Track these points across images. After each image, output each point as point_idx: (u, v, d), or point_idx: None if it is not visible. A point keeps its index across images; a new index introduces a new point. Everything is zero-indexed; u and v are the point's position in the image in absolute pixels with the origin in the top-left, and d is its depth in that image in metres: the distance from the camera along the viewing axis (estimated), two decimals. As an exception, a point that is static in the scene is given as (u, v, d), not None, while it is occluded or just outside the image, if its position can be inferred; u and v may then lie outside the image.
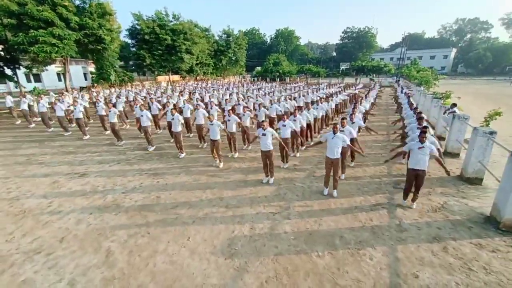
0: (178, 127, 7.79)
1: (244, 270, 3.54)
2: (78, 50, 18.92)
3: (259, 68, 57.56)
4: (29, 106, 13.47)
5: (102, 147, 9.28)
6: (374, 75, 45.26)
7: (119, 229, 4.47)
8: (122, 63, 36.00)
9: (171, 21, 31.65)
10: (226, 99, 10.93)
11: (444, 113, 9.09)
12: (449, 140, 7.87)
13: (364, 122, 11.57)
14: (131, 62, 35.91)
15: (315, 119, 9.25)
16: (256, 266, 3.60)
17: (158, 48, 29.76)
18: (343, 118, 6.13)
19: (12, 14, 15.61)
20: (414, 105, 9.15)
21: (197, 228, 4.47)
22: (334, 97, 13.16)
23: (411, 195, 5.10)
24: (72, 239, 4.21)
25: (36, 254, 3.87)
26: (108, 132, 10.92)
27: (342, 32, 70.98)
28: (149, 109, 10.37)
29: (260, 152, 6.00)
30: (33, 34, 15.66)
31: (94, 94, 16.46)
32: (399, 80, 35.31)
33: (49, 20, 16.17)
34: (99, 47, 19.96)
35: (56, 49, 16.55)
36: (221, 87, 23.79)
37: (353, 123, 6.55)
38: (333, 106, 11.37)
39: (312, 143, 8.27)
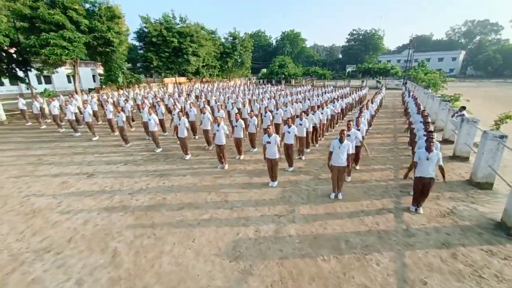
0: (184, 132, 7.81)
1: (249, 273, 3.53)
2: (87, 52, 19.30)
3: (264, 70, 57.62)
4: (41, 108, 13.80)
5: (110, 148, 9.42)
6: (381, 77, 44.82)
7: (125, 230, 4.52)
8: (129, 65, 36.54)
9: (178, 24, 32.00)
10: (232, 103, 10.97)
11: (453, 116, 8.94)
12: (458, 143, 7.73)
13: (370, 125, 11.52)
14: (138, 64, 36.39)
15: (321, 123, 9.22)
16: (261, 270, 3.59)
17: (165, 50, 30.11)
18: (349, 121, 6.10)
19: (24, 17, 16.06)
20: (422, 108, 9.03)
21: (202, 230, 4.49)
22: (340, 100, 13.07)
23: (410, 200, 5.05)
24: (80, 239, 4.28)
25: (46, 253, 3.95)
26: (116, 133, 11.09)
27: (349, 34, 70.57)
28: (156, 112, 10.50)
29: (266, 159, 5.99)
30: (44, 37, 16.06)
31: (104, 97, 16.73)
32: (406, 83, 34.90)
33: (60, 23, 16.56)
34: (107, 50, 20.31)
35: (66, 51, 16.91)
36: (227, 89, 23.92)
37: (358, 129, 6.47)
38: (333, 114, 11.22)
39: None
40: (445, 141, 9.43)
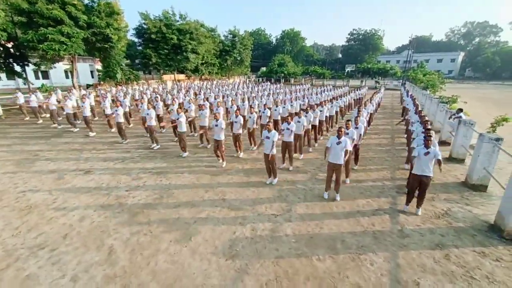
0: (183, 127, 7.83)
1: (245, 272, 3.55)
2: (85, 48, 19.18)
3: (264, 69, 57.54)
4: (39, 103, 13.70)
5: (107, 145, 9.39)
6: (380, 77, 44.92)
7: (121, 227, 4.52)
8: (128, 61, 36.30)
9: (178, 21, 31.82)
10: (232, 100, 10.95)
11: (450, 118, 8.99)
12: (454, 145, 7.78)
13: (369, 125, 11.54)
14: (137, 61, 36.19)
15: (320, 121, 9.25)
16: (256, 269, 3.61)
17: (164, 47, 29.94)
18: (348, 120, 6.13)
19: (22, 12, 15.90)
20: (420, 108, 9.07)
21: (199, 228, 4.50)
22: (339, 99, 13.09)
23: (413, 201, 5.06)
24: (75, 236, 4.28)
25: (40, 249, 3.94)
26: (114, 130, 11.05)
27: (349, 34, 70.62)
28: (154, 108, 10.47)
29: (264, 155, 6.01)
30: (42, 32, 15.92)
31: (102, 92, 16.63)
32: (405, 83, 35.00)
33: (58, 18, 16.41)
34: (106, 46, 20.21)
35: (65, 46, 16.79)
36: (226, 87, 23.87)
37: (357, 127, 6.51)
38: (332, 113, 11.24)
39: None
40: (442, 143, 9.47)
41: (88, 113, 10.45)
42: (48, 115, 13.39)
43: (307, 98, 13.76)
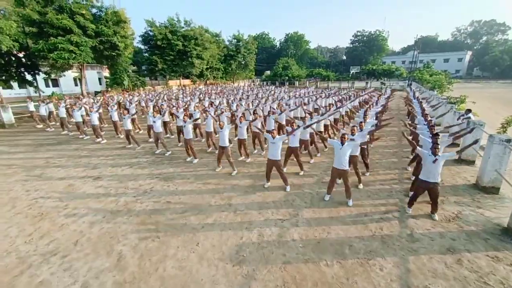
0: (190, 134, 7.90)
1: (252, 277, 3.55)
2: (93, 56, 19.65)
3: (268, 72, 57.79)
4: (50, 111, 14.07)
5: (115, 151, 9.55)
6: (385, 78, 44.54)
7: (130, 233, 4.58)
8: (135, 67, 37.04)
9: (183, 27, 32.39)
10: (236, 105, 11.03)
11: (458, 119, 8.84)
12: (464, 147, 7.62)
13: (377, 125, 11.40)
14: (143, 67, 36.91)
15: (325, 126, 9.22)
16: (264, 274, 3.60)
17: (170, 53, 30.48)
18: (353, 126, 6.08)
19: (33, 22, 16.48)
20: (426, 111, 8.95)
21: (206, 233, 4.53)
22: (345, 103, 13.03)
23: (415, 205, 5.01)
24: (85, 242, 4.35)
25: (53, 256, 4.03)
26: (122, 136, 11.24)
27: (353, 36, 70.28)
28: (160, 113, 10.62)
29: (267, 160, 6.01)
30: (52, 41, 16.44)
31: (110, 100, 16.95)
32: (411, 84, 34.61)
33: (68, 28, 16.94)
34: (113, 54, 20.66)
35: (74, 55, 17.28)
36: (231, 91, 24.04)
37: (361, 131, 6.46)
38: (336, 117, 11.15)
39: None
40: (451, 144, 9.28)
41: (96, 121, 10.65)
42: (58, 123, 13.72)
43: (312, 101, 13.73)
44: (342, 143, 5.14)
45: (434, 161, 4.52)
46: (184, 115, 8.26)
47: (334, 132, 10.93)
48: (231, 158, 7.23)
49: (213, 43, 36.03)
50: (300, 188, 6.24)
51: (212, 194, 5.98)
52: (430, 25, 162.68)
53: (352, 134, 5.88)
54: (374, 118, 8.59)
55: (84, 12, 17.79)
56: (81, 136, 11.58)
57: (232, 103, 12.92)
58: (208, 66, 37.01)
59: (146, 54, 33.67)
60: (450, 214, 4.98)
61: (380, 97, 14.41)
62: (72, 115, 11.47)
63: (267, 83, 46.98)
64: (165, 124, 10.81)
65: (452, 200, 5.52)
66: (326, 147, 9.25)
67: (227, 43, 42.92)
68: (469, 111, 8.56)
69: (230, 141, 7.10)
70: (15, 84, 21.04)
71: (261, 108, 11.31)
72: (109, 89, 27.98)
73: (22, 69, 19.03)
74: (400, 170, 7.32)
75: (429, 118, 7.32)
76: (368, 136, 6.11)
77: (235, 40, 42.70)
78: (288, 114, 9.93)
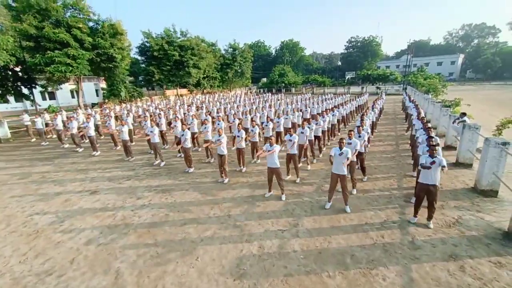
0: (188, 143, 7.89)
1: (253, 292, 3.47)
2: (90, 68, 19.74)
3: (265, 80, 58.23)
4: (46, 124, 14.00)
5: (112, 164, 9.48)
6: (381, 83, 45.03)
7: (128, 249, 4.50)
8: (131, 78, 37.17)
9: (179, 38, 32.74)
10: (233, 114, 11.06)
11: (454, 122, 8.92)
12: (461, 150, 7.68)
13: (372, 133, 11.49)
14: (140, 78, 37.06)
15: (323, 131, 9.25)
16: (265, 288, 3.53)
17: (167, 63, 30.69)
18: (350, 131, 6.11)
19: (30, 37, 16.58)
20: (422, 115, 9.03)
21: (206, 247, 4.45)
22: (341, 108, 13.12)
23: (421, 211, 4.96)
24: (82, 260, 4.26)
25: (48, 276, 3.92)
26: (119, 147, 11.19)
27: (347, 42, 71.47)
28: (157, 124, 10.63)
29: (267, 168, 6.00)
30: (49, 55, 16.51)
31: (107, 111, 16.93)
32: (406, 88, 35.02)
33: (65, 41, 17.06)
34: (110, 65, 20.78)
35: (71, 68, 17.34)
36: (228, 99, 24.15)
37: (360, 136, 6.51)
38: (334, 122, 11.21)
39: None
40: (448, 148, 9.37)
41: (92, 132, 10.61)
42: (55, 136, 13.65)
43: (309, 108, 13.81)
44: (341, 148, 5.14)
45: (432, 163, 4.52)
46: (183, 125, 8.26)
47: (329, 138, 10.96)
48: (227, 166, 7.24)
49: (209, 52, 36.39)
50: (300, 196, 6.20)
51: (211, 206, 5.92)
52: (422, 29, 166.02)
53: (350, 138, 5.92)
54: (370, 126, 8.66)
55: (81, 25, 17.96)
56: (77, 149, 11.50)
57: (230, 111, 12.94)
58: (204, 75, 37.27)
59: (143, 65, 33.88)
60: (451, 219, 4.96)
61: (376, 102, 14.50)
62: (68, 127, 11.42)
63: (264, 91, 47.31)
64: (162, 134, 10.78)
65: (452, 205, 5.50)
66: (320, 152, 9.25)
67: (223, 52, 43.36)
68: (464, 114, 8.63)
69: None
70: (11, 98, 21.00)
71: (259, 116, 11.34)
72: (106, 100, 27.99)
73: (19, 83, 19.05)
74: (398, 175, 7.32)
75: (425, 121, 7.37)
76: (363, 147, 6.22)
77: (231, 49, 43.13)
78: (286, 123, 9.96)
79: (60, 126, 12.34)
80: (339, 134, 12.33)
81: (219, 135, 6.97)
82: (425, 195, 4.70)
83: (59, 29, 17.03)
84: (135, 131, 13.21)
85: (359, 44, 68.86)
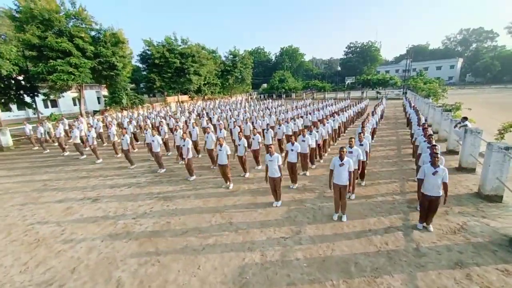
0: (189, 153, 7.85)
1: (256, 302, 3.41)
2: (92, 76, 19.95)
3: (265, 85, 58.62)
4: (48, 132, 14.07)
5: (114, 171, 9.47)
6: (380, 88, 45.23)
7: (129, 258, 4.45)
8: (133, 85, 37.52)
9: (180, 45, 33.13)
10: (234, 122, 11.09)
11: (455, 126, 8.89)
12: (463, 155, 7.64)
13: (372, 138, 11.48)
14: (141, 85, 37.39)
15: (324, 139, 9.24)
16: (268, 298, 3.47)
17: (168, 71, 30.98)
18: (351, 138, 6.09)
19: (33, 46, 16.80)
20: (422, 121, 9.02)
21: (207, 255, 4.40)
22: (341, 114, 13.13)
23: (417, 216, 4.92)
24: (83, 269, 4.21)
25: (49, 286, 3.88)
26: (120, 155, 11.20)
27: (346, 47, 72.16)
28: (159, 132, 10.66)
29: (268, 178, 5.94)
30: (52, 64, 16.71)
31: (109, 119, 17.03)
32: (406, 93, 35.12)
33: (67, 50, 17.28)
34: (112, 73, 20.97)
35: (73, 76, 17.52)
36: (228, 106, 24.24)
37: (361, 144, 6.47)
38: (335, 128, 11.17)
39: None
40: (450, 152, 9.33)
41: (93, 141, 10.64)
42: (56, 144, 13.70)
43: (310, 114, 13.82)
44: (341, 159, 5.07)
45: (434, 173, 4.48)
46: (183, 133, 8.27)
47: (329, 143, 10.93)
48: (230, 174, 7.23)
49: (210, 59, 36.76)
50: (302, 203, 6.15)
51: (213, 213, 5.88)
52: (420, 34, 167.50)
53: (350, 146, 5.88)
54: (371, 132, 8.65)
55: (83, 35, 18.21)
56: (78, 156, 11.52)
57: (230, 119, 12.97)
58: (205, 82, 37.58)
59: (144, 72, 34.22)
60: (455, 226, 4.89)
61: (377, 107, 14.52)
62: (70, 135, 11.49)
63: (264, 96, 47.56)
64: (163, 142, 10.80)
65: (456, 211, 5.43)
66: (321, 158, 9.21)
67: (223, 58, 43.82)
68: (465, 119, 8.61)
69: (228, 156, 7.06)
70: (13, 106, 21.17)
71: (260, 124, 11.35)
72: (108, 107, 28.18)
73: (21, 92, 19.23)
74: (401, 180, 7.27)
75: (426, 127, 7.35)
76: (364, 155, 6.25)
77: (231, 56, 43.59)
78: (287, 130, 9.96)
79: (61, 134, 12.39)
80: (339, 139, 12.31)
81: (221, 146, 6.94)
82: (429, 203, 4.65)
83: (62, 38, 17.26)
84: (137, 138, 13.27)
85: (358, 49, 69.48)
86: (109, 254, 4.58)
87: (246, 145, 7.69)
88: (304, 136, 7.48)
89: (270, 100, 32.28)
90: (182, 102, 35.17)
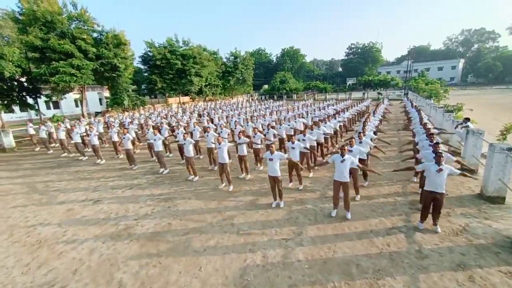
0: (191, 152, 7.89)
1: (258, 303, 3.41)
2: (94, 78, 20.04)
3: (266, 86, 58.71)
4: (49, 133, 14.14)
5: (115, 172, 9.50)
6: (382, 88, 45.17)
7: (131, 259, 4.46)
8: (134, 87, 37.62)
9: (181, 47, 33.26)
10: (235, 121, 11.10)
11: (456, 127, 8.86)
12: (465, 156, 7.61)
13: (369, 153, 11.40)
14: (143, 86, 37.51)
15: (325, 138, 9.23)
16: (269, 299, 3.46)
17: (169, 72, 31.09)
18: (351, 138, 6.10)
19: (36, 48, 16.90)
20: (424, 120, 9.00)
21: (209, 257, 4.40)
22: (341, 114, 13.12)
23: (430, 219, 4.88)
24: (85, 271, 4.22)
25: (50, 287, 3.89)
26: (121, 156, 11.24)
27: (347, 48, 72.16)
28: (160, 132, 10.68)
29: (268, 176, 5.96)
30: (54, 65, 16.81)
31: (111, 119, 17.10)
32: (407, 93, 35.05)
33: (69, 52, 17.38)
34: (114, 75, 21.06)
35: (75, 78, 17.62)
36: (230, 106, 24.28)
37: (360, 142, 6.49)
38: (337, 127, 11.14)
39: (317, 163, 8.27)
40: (452, 153, 9.26)
41: (96, 141, 10.69)
42: (58, 145, 13.76)
43: (311, 114, 13.83)
44: (343, 155, 5.11)
45: (438, 171, 4.48)
46: (185, 133, 8.30)
47: (333, 144, 10.92)
48: (230, 175, 7.23)
49: (211, 60, 36.86)
50: (303, 204, 6.14)
51: (214, 214, 5.88)
52: (422, 35, 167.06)
53: (351, 145, 5.89)
54: (373, 132, 8.63)
55: (85, 36, 18.31)
56: (80, 158, 11.58)
57: (231, 119, 13.00)
58: (207, 83, 37.68)
59: (146, 74, 34.36)
60: (458, 227, 4.87)
61: (377, 108, 14.50)
62: (71, 136, 11.54)
63: (265, 97, 47.59)
64: (164, 142, 10.83)
65: (458, 212, 5.41)
66: (324, 159, 9.19)
67: (224, 60, 43.93)
68: (467, 119, 8.57)
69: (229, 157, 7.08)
70: (16, 108, 21.30)
71: (261, 124, 11.36)
72: (110, 109, 28.29)
73: (24, 93, 19.34)
74: (403, 181, 7.24)
75: (428, 127, 7.34)
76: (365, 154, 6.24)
77: (233, 57, 43.69)
78: (288, 129, 9.96)
79: (63, 135, 12.45)
80: (341, 139, 12.28)
81: (219, 143, 6.97)
82: (431, 202, 4.64)
83: (64, 40, 17.37)
84: (139, 139, 13.30)
85: (359, 50, 69.48)
86: (111, 256, 4.59)
87: (247, 143, 7.70)
88: (305, 135, 7.49)
89: (271, 101, 32.29)
90: (184, 103, 35.26)
